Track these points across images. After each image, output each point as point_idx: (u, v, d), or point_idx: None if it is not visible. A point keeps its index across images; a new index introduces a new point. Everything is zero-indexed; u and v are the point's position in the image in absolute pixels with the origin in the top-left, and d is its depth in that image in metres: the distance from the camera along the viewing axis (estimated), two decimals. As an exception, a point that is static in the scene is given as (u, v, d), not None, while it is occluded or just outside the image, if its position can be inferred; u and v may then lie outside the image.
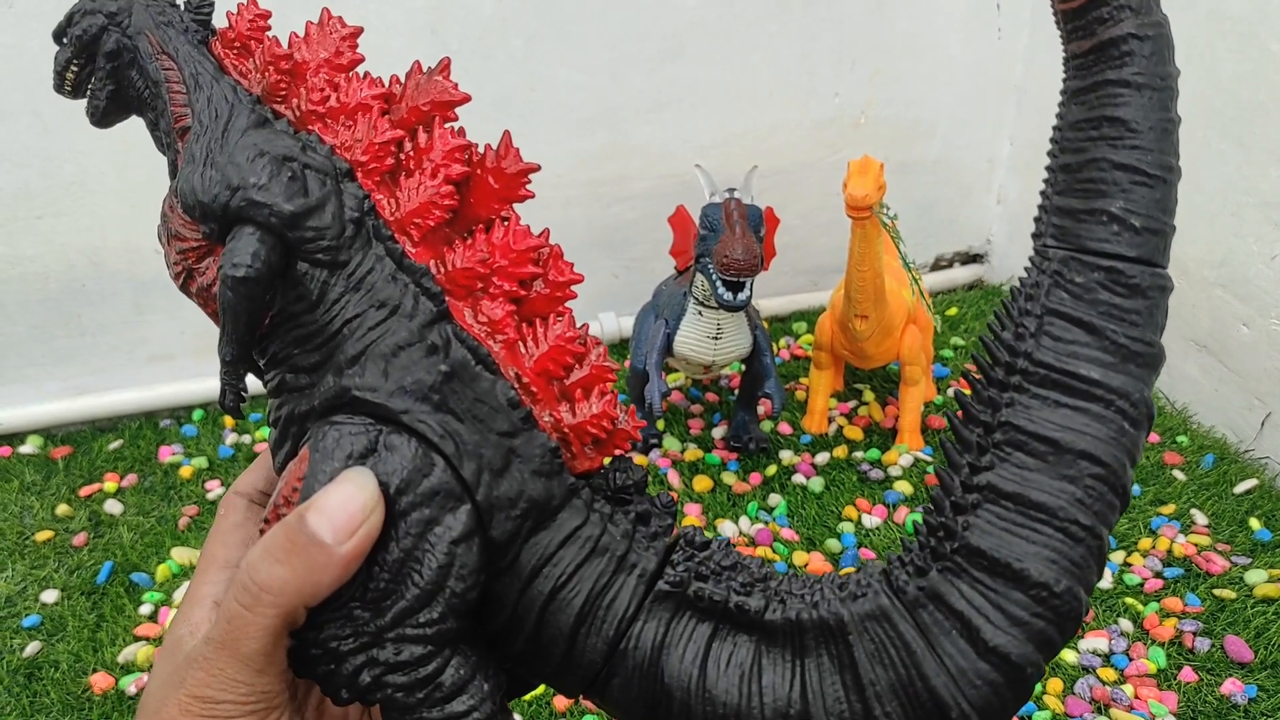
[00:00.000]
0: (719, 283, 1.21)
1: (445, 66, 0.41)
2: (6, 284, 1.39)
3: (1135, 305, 0.35)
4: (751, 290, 1.23)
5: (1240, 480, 1.35)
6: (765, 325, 1.71)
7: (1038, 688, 1.06)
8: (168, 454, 1.42)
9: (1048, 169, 0.37)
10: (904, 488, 1.35)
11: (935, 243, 1.93)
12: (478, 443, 0.38)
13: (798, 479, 1.37)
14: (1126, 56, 0.35)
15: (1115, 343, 0.35)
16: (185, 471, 1.38)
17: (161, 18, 0.45)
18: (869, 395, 1.54)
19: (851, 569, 0.38)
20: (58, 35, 0.47)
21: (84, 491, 1.34)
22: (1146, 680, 1.08)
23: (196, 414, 1.51)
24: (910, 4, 1.67)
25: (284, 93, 0.43)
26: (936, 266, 1.95)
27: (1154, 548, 1.25)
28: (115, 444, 1.44)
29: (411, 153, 0.41)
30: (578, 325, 0.40)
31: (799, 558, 1.23)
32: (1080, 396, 0.35)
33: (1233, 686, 1.05)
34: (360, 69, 0.43)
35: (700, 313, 1.29)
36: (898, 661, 0.36)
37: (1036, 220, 0.37)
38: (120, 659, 1.10)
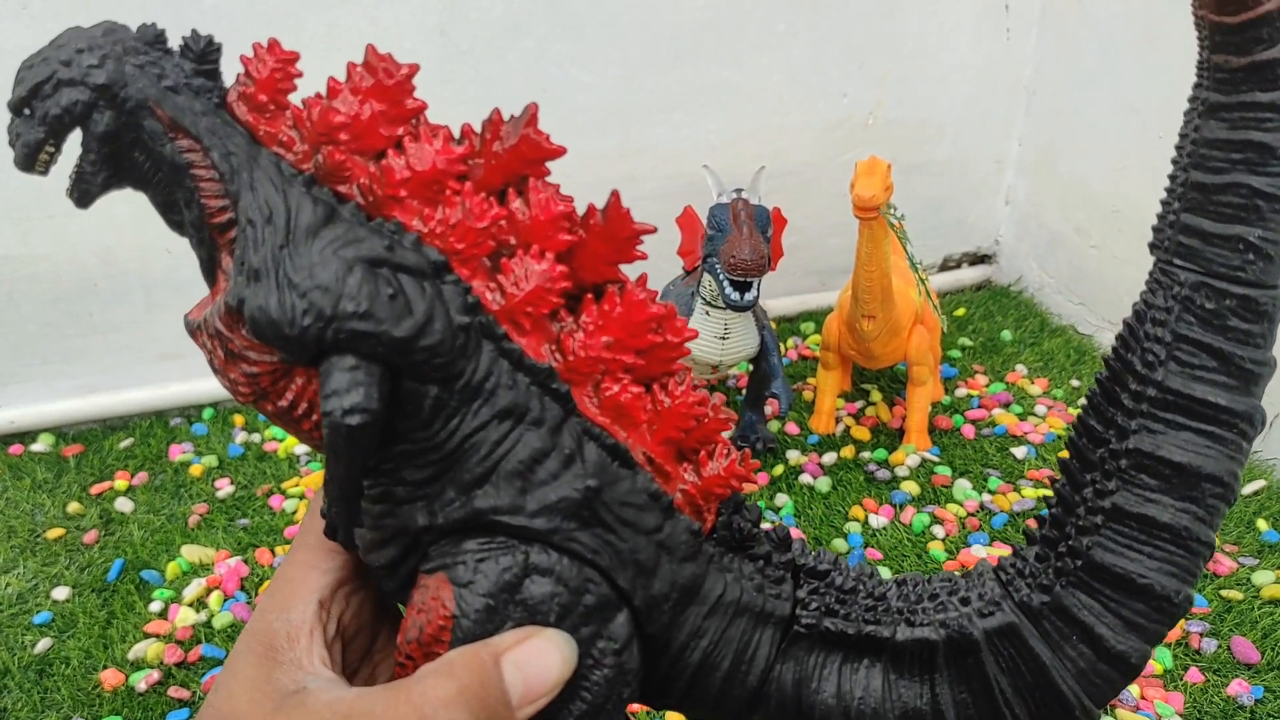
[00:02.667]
0: (726, 283, 1.21)
1: (533, 116, 0.36)
2: (19, 283, 1.40)
3: (1262, 329, 0.36)
4: (759, 290, 1.23)
5: (1248, 481, 1.35)
6: (773, 325, 1.71)
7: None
8: (178, 452, 1.43)
9: (1175, 182, 0.37)
10: (911, 488, 1.35)
11: (944, 243, 1.93)
12: (630, 548, 0.37)
13: (805, 479, 1.38)
14: (1271, 81, 0.34)
15: (1241, 368, 0.36)
16: (195, 470, 1.39)
17: (164, 81, 0.36)
18: (876, 395, 1.55)
19: (958, 570, 0.40)
20: (17, 107, 0.36)
21: (95, 489, 1.35)
22: (1153, 681, 1.08)
23: (207, 412, 1.52)
24: (919, 5, 1.67)
25: (348, 172, 0.35)
26: (945, 267, 1.95)
27: (1161, 549, 1.25)
28: (126, 442, 1.45)
29: (506, 224, 0.36)
30: (710, 398, 0.39)
31: (806, 557, 1.23)
32: (1205, 420, 0.36)
33: (1239, 687, 1.05)
34: (417, 121, 0.36)
35: (708, 313, 1.29)
36: (1025, 670, 0.38)
37: (1157, 232, 0.37)
38: (130, 655, 1.10)
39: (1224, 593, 1.17)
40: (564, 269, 0.36)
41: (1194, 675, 1.08)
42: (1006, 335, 1.72)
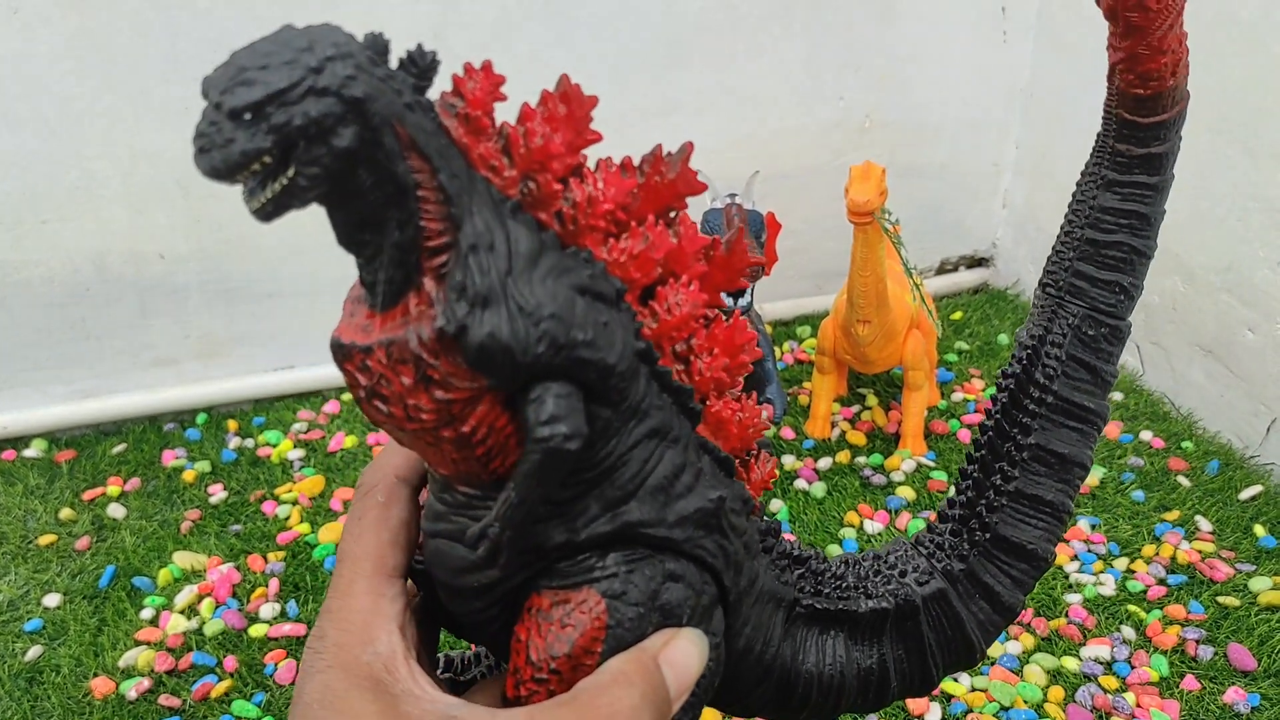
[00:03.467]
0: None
1: (689, 154, 0.38)
2: (11, 288, 1.39)
3: (1116, 350, 0.47)
4: (752, 295, 1.22)
5: (1245, 486, 1.34)
6: (769, 329, 1.70)
7: (1038, 695, 1.06)
8: (171, 458, 1.42)
9: (1071, 237, 0.47)
10: (906, 493, 1.34)
11: (941, 246, 1.92)
12: (734, 550, 0.41)
13: (800, 484, 1.37)
14: (1163, 169, 0.46)
15: (1104, 379, 0.47)
16: (188, 475, 1.38)
17: (403, 98, 0.33)
18: (872, 400, 1.54)
19: (887, 544, 0.49)
20: (243, 111, 0.31)
21: (87, 495, 1.35)
22: (1149, 688, 1.07)
23: (200, 418, 1.51)
24: (915, 8, 1.66)
25: (551, 200, 0.35)
26: (942, 270, 1.94)
27: (1158, 554, 1.25)
28: (119, 448, 1.45)
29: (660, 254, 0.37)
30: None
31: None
32: (1080, 421, 0.46)
33: (1235, 695, 1.05)
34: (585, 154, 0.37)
35: (702, 318, 1.28)
36: (947, 627, 0.47)
37: (1051, 274, 0.47)
38: (121, 663, 1.10)
39: (1221, 599, 1.17)
40: (706, 297, 0.38)
41: (1190, 683, 1.07)
42: (1003, 339, 1.71)
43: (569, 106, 0.35)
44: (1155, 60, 0.42)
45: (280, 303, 1.52)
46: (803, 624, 0.46)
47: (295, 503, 1.34)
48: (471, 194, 0.34)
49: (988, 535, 0.47)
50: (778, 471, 0.40)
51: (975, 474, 0.48)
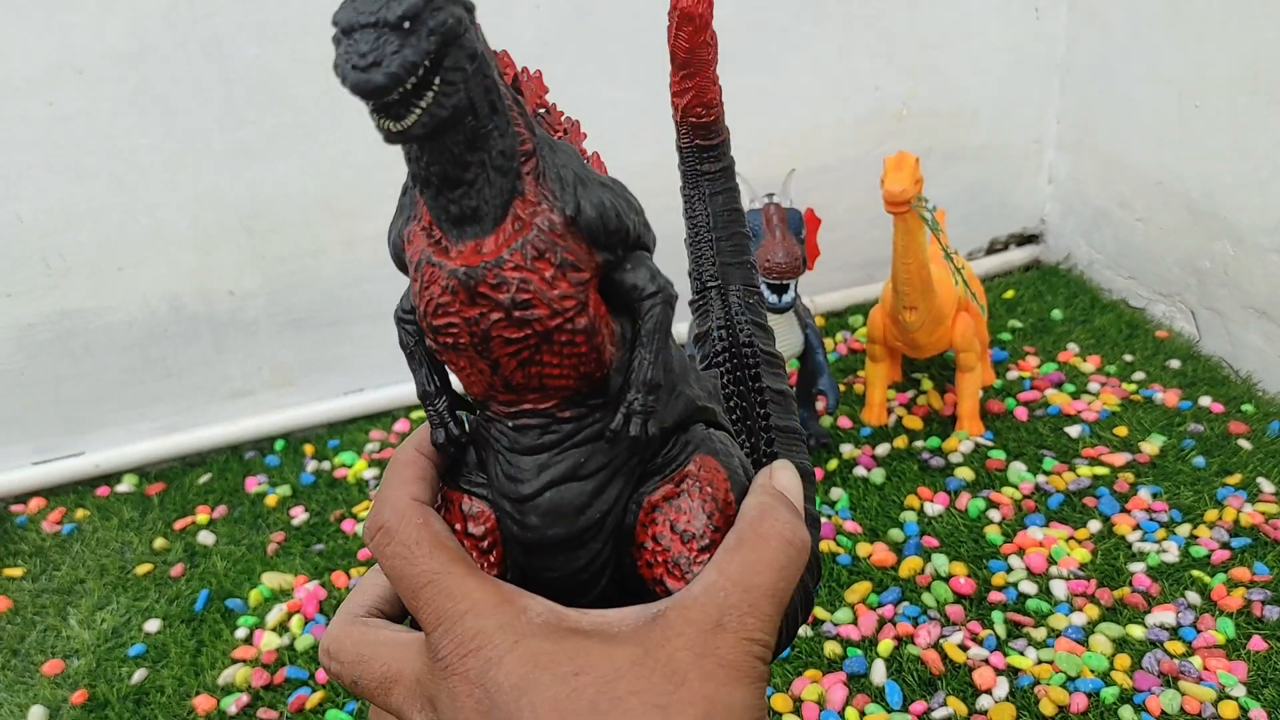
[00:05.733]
0: (763, 286, 1.24)
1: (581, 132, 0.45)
2: (95, 333, 1.47)
3: (764, 309, 0.54)
4: (796, 291, 1.25)
5: (1308, 445, 1.34)
6: (820, 321, 1.73)
7: (1105, 664, 1.07)
8: (253, 484, 1.49)
9: (701, 243, 0.56)
10: (965, 474, 1.36)
11: (989, 226, 1.93)
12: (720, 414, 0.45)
13: (859, 471, 1.40)
14: (731, 176, 0.57)
15: (768, 331, 0.53)
16: (270, 500, 1.45)
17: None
18: (927, 384, 1.56)
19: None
20: (404, 19, 0.33)
21: (178, 525, 1.42)
22: (1215, 651, 1.08)
23: (278, 444, 1.58)
24: (945, -8, 1.68)
25: (562, 131, 0.43)
26: (991, 250, 1.95)
27: (1220, 519, 1.25)
28: (205, 478, 1.52)
29: None
30: None
31: (862, 549, 1.26)
32: (776, 366, 0.53)
33: (1303, 653, 1.05)
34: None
35: (749, 316, 1.31)
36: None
37: (708, 275, 0.56)
38: (220, 681, 1.16)
39: (1286, 559, 1.17)
40: None
41: (1257, 643, 1.08)
42: (1057, 314, 1.72)
43: (528, 75, 0.42)
44: (712, 90, 0.56)
45: (344, 329, 1.58)
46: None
47: (372, 520, 1.39)
48: (544, 131, 0.38)
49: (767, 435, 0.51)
50: (817, 464, 0.44)
51: (739, 420, 0.52)
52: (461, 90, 0.34)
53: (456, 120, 0.35)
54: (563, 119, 0.43)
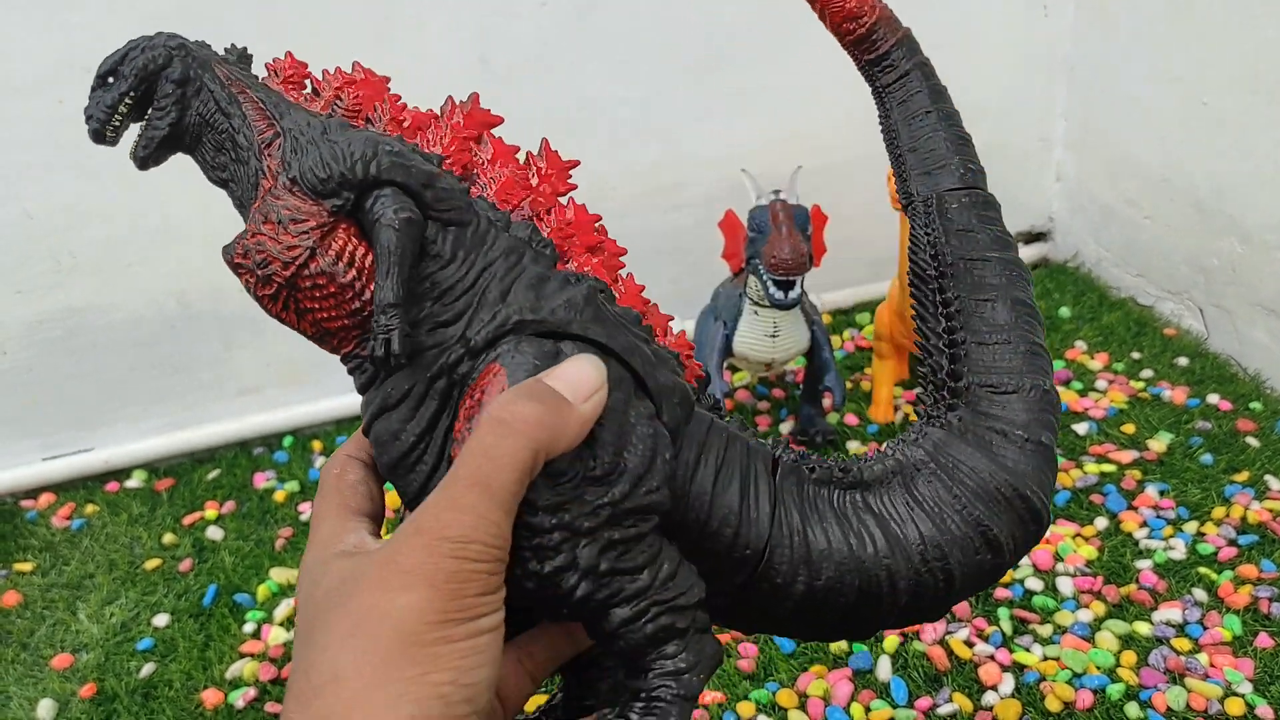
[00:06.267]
0: (769, 283, 1.24)
1: (476, 100, 0.47)
2: (102, 331, 1.48)
3: (986, 214, 0.54)
4: (802, 288, 1.25)
5: (1315, 443, 1.33)
6: (827, 319, 1.73)
7: (1111, 660, 1.07)
8: (262, 480, 1.50)
9: (899, 151, 0.55)
10: (971, 471, 1.36)
11: (996, 225, 1.92)
12: (633, 344, 0.43)
13: (865, 469, 1.39)
14: (919, 78, 0.57)
15: (992, 233, 0.53)
16: (279, 496, 1.46)
17: (217, 56, 0.47)
18: (933, 381, 1.55)
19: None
20: (106, 74, 0.46)
21: (187, 520, 1.43)
22: (1222, 648, 1.08)
23: (286, 440, 1.59)
24: (952, -10, 1.68)
25: (357, 110, 0.46)
26: (999, 248, 1.94)
27: (1228, 516, 1.25)
28: (213, 474, 1.52)
29: (476, 161, 0.46)
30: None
31: (868, 546, 1.25)
32: (984, 265, 0.52)
33: (1310, 650, 1.05)
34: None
35: (756, 312, 1.32)
36: (974, 469, 0.47)
37: (907, 190, 0.55)
38: (229, 675, 1.17)
39: (1293, 556, 1.17)
40: (524, 180, 0.45)
41: (1264, 640, 1.08)
42: (1064, 312, 1.72)
43: (368, 72, 0.47)
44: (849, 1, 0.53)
45: (353, 326, 1.58)
46: (799, 481, 0.46)
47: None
48: (287, 108, 0.45)
49: (967, 382, 0.49)
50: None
51: (931, 329, 0.51)
52: (173, 112, 0.45)
53: (181, 135, 0.46)
54: (351, 95, 0.46)
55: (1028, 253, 1.94)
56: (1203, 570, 1.17)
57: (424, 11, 1.42)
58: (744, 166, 1.39)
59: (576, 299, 0.43)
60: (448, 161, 0.45)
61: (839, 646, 1.12)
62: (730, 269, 1.41)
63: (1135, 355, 1.59)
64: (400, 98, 0.47)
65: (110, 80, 0.46)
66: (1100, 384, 1.52)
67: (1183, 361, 1.56)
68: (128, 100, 0.46)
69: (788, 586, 0.44)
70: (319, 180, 0.42)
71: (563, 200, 0.46)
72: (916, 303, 0.52)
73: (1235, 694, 1.02)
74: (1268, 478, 1.29)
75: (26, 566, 1.36)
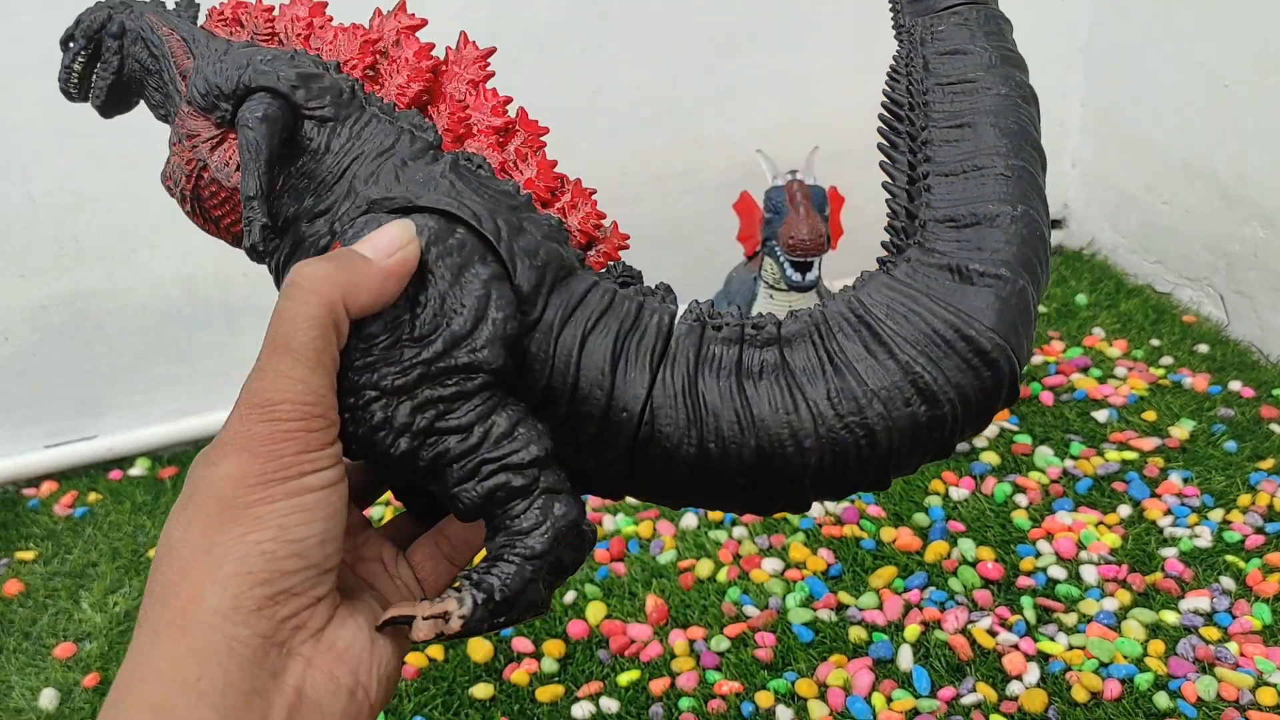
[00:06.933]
0: (786, 264, 1.21)
1: (402, 5, 0.49)
2: (107, 317, 1.46)
3: (981, 29, 0.48)
4: (820, 270, 1.23)
5: (1342, 429, 1.31)
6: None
7: (1138, 650, 1.04)
8: (268, 469, 1.47)
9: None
10: (990, 458, 1.34)
11: (1010, 212, 1.90)
12: (493, 210, 0.43)
13: (882, 456, 1.37)
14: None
15: (978, 52, 0.47)
16: (285, 485, 1.43)
17: (158, 6, 0.53)
18: (950, 369, 1.53)
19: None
20: (65, 40, 0.52)
21: (192, 509, 1.40)
22: (1252, 637, 1.05)
23: (292, 430, 1.56)
24: (967, -27, 1.65)
25: (270, 33, 0.49)
26: (1013, 236, 1.92)
27: (1254, 504, 1.22)
28: (218, 463, 1.50)
29: (389, 58, 0.48)
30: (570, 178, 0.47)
31: (886, 533, 1.23)
32: (970, 92, 0.46)
33: (1343, 639, 1.02)
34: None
35: (771, 296, 1.29)
36: (911, 314, 0.42)
37: (898, 20, 0.51)
38: (235, 665, 1.15)
39: (1322, 544, 1.14)
40: (426, 69, 0.46)
41: (1295, 629, 1.05)
42: (1081, 299, 1.69)
43: (295, 6, 0.49)
44: None
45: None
46: (701, 341, 0.43)
47: (388, 503, 1.38)
48: (209, 41, 0.49)
49: (922, 219, 0.44)
50: (626, 243, 0.40)
51: (896, 169, 0.47)
52: (114, 61, 0.51)
53: (130, 80, 0.52)
54: (278, 22, 0.49)
55: (1043, 241, 1.91)
56: (1230, 558, 1.15)
57: (433, -8, 1.40)
58: (758, 148, 1.36)
59: (434, 174, 0.43)
60: (348, 64, 0.47)
61: (858, 635, 1.10)
62: (745, 252, 1.38)
63: (1154, 342, 1.56)
64: (330, 19, 0.50)
65: (70, 45, 0.52)
66: (1120, 371, 1.50)
67: (1203, 348, 1.53)
68: (80, 58, 0.52)
69: (676, 450, 0.41)
70: (201, 96, 0.46)
71: (479, 90, 0.47)
72: (884, 141, 0.48)
73: (1267, 683, 1.00)
74: (1294, 465, 1.27)
75: (29, 555, 1.33)
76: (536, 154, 0.46)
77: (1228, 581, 1.12)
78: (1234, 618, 1.08)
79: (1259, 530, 1.18)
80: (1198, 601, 1.10)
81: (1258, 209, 1.48)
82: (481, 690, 1.06)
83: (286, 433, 0.36)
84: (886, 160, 0.47)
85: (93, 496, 1.44)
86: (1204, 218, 1.59)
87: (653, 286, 0.46)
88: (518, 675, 1.08)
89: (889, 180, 0.47)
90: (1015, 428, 1.39)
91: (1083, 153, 1.84)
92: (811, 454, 0.41)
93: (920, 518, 1.25)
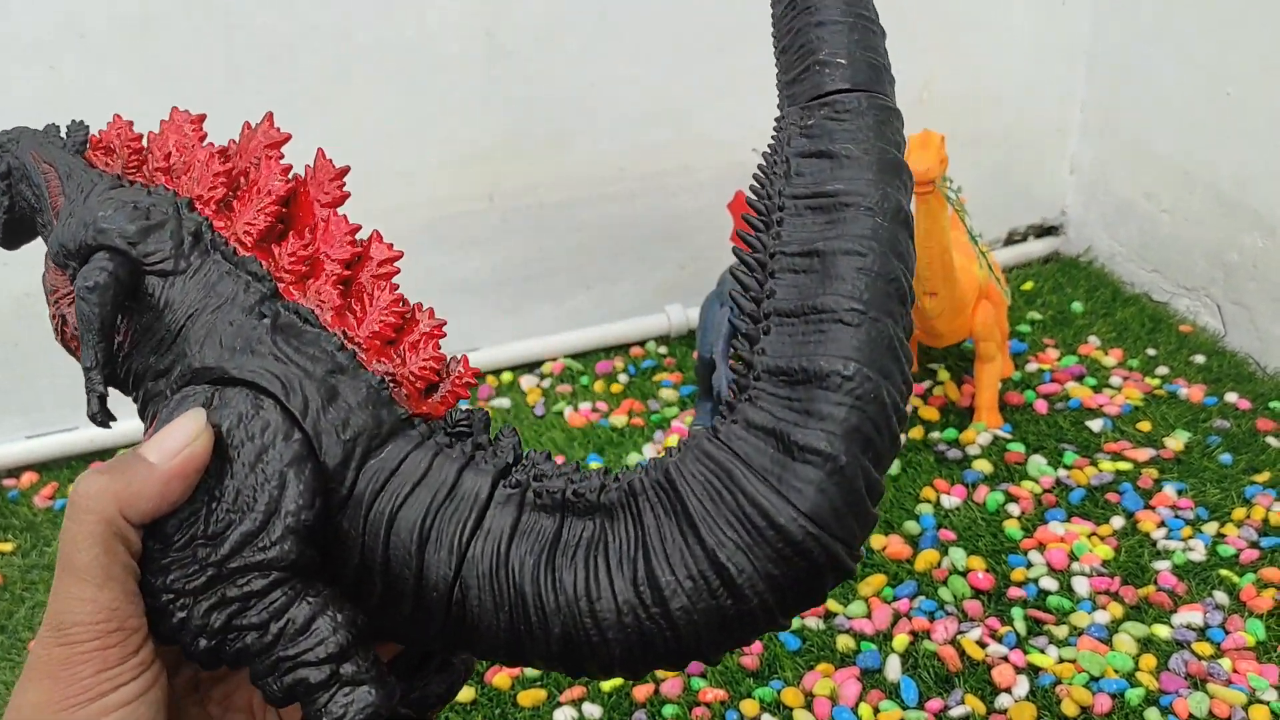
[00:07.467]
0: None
1: (269, 118, 0.48)
2: (92, 306, 1.43)
3: (859, 125, 0.40)
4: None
5: (1340, 444, 1.30)
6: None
7: (1129, 664, 1.03)
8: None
9: (775, 60, 0.43)
10: (983, 466, 1.32)
11: (1008, 216, 1.89)
12: (303, 379, 0.41)
13: (874, 462, 1.35)
14: None
15: (850, 158, 0.39)
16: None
17: (44, 139, 0.53)
18: (944, 374, 1.52)
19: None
20: None
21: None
22: (1245, 653, 1.04)
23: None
24: (969, -25, 1.64)
25: (137, 165, 0.50)
26: (1010, 240, 1.91)
27: (1249, 517, 1.21)
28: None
29: (245, 186, 0.47)
30: (424, 307, 0.44)
31: (876, 541, 1.22)
32: (830, 210, 0.39)
33: (1337, 657, 1.01)
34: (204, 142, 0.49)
35: (765, 298, 1.28)
36: (723, 490, 0.37)
37: (778, 108, 0.43)
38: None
39: (1317, 560, 1.13)
40: (274, 198, 0.46)
41: (1288, 646, 1.04)
42: (1077, 307, 1.68)
43: (173, 123, 0.50)
44: None
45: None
46: (520, 511, 0.40)
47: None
48: (82, 175, 0.50)
49: (754, 373, 0.38)
50: (474, 380, 0.38)
51: (733, 317, 0.41)
52: (5, 199, 0.54)
53: (23, 218, 0.54)
54: (154, 158, 0.50)
55: (1039, 247, 1.90)
56: (1224, 573, 1.13)
57: (428, -18, 1.38)
58: (754, 147, 1.35)
59: (250, 339, 0.42)
60: (201, 200, 0.46)
61: (845, 644, 1.08)
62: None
63: (1150, 352, 1.55)
64: (203, 137, 0.49)
65: None
66: (1115, 380, 1.48)
67: (1199, 359, 1.52)
68: None
69: (488, 628, 0.40)
70: (53, 254, 0.47)
71: (329, 215, 0.46)
72: (739, 265, 0.41)
73: (1260, 701, 0.99)
74: (1290, 478, 1.26)
75: (7, 547, 1.31)
76: (386, 284, 0.44)
77: (1221, 596, 1.11)
78: (1227, 633, 1.06)
79: (1254, 544, 1.17)
80: (1190, 616, 1.08)
81: (1258, 219, 1.47)
82: (463, 694, 1.05)
83: (83, 655, 0.36)
84: (739, 289, 0.41)
85: (73, 489, 1.42)
86: (1203, 226, 1.58)
87: (494, 434, 0.43)
88: (499, 679, 1.07)
89: (738, 310, 0.40)
90: (1009, 436, 1.38)
91: (1082, 158, 1.83)
92: (615, 644, 0.38)
93: (911, 525, 1.24)
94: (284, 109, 1.48)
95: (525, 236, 1.59)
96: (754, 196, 0.41)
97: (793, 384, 0.37)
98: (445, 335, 0.44)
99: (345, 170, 0.46)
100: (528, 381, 1.59)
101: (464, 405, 0.44)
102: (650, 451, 1.41)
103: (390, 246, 0.45)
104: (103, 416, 0.45)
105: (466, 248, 1.57)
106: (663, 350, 1.65)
